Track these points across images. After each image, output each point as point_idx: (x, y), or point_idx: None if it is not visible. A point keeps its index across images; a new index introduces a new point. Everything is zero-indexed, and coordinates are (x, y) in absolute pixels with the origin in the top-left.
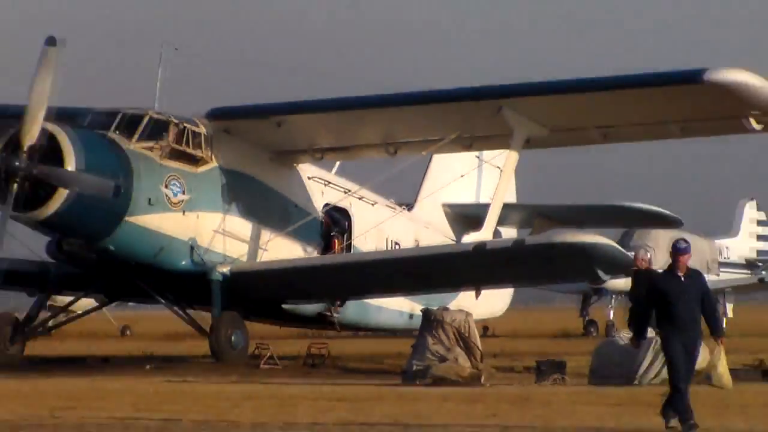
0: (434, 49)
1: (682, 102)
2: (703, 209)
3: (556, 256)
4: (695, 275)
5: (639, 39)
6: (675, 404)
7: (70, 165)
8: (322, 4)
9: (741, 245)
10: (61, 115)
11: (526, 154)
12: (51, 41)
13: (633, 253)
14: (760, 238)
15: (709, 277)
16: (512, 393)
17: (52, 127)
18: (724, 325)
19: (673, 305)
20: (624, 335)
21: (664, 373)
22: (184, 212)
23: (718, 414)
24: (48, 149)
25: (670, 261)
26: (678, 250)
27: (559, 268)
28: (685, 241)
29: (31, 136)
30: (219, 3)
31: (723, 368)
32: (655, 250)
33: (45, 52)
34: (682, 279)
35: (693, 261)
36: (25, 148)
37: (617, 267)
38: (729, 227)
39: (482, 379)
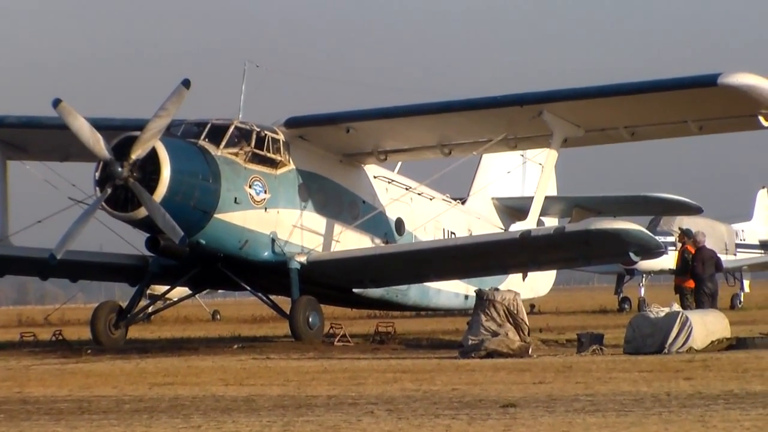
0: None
1: (699, 103)
2: (724, 198)
3: (592, 242)
4: None
5: (654, 44)
6: None
7: (166, 171)
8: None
9: (756, 228)
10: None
11: (565, 152)
12: (186, 84)
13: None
14: None
15: (728, 257)
16: (556, 363)
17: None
18: (742, 299)
19: None
20: (654, 309)
21: (690, 343)
22: (265, 209)
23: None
24: (147, 156)
25: None
26: None
27: (595, 252)
28: None
29: (140, 152)
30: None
31: None
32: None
33: (179, 90)
34: None
35: (713, 243)
36: (131, 160)
37: (646, 250)
38: (747, 213)
39: (530, 351)
